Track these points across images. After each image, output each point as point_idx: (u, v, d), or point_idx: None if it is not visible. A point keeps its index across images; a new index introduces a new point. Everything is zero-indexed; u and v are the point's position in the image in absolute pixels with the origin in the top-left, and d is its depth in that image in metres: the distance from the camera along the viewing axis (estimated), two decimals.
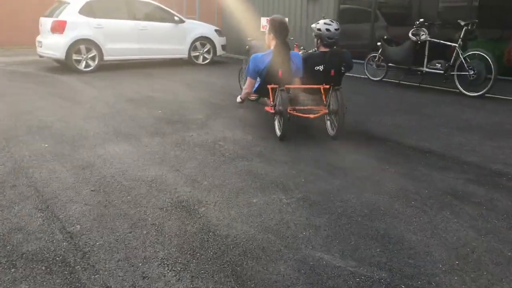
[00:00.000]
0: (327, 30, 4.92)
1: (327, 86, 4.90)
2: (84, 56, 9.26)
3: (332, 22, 5.02)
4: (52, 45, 9.18)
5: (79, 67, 9.23)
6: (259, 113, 6.01)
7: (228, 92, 7.46)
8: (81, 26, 9.15)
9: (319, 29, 4.97)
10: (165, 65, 10.64)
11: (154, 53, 10.26)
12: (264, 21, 11.88)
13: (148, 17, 10.20)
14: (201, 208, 3.16)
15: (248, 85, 5.19)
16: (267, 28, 4.97)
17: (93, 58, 9.36)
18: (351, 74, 9.54)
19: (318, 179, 3.72)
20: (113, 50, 9.55)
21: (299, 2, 10.88)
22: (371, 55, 8.77)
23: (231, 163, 4.09)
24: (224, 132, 5.08)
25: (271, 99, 5.00)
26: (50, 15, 9.46)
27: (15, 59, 11.27)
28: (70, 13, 9.16)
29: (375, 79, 8.78)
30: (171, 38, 10.44)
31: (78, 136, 4.83)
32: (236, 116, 5.87)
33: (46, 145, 4.51)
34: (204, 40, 10.93)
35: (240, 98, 5.52)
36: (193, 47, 10.81)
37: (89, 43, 9.28)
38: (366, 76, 8.98)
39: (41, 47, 9.51)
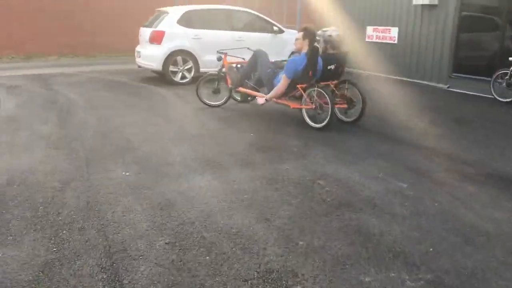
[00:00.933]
0: (336, 35, 5.77)
1: (343, 81, 5.94)
2: (181, 68, 9.01)
3: (336, 29, 5.94)
4: (150, 55, 9.05)
5: (175, 78, 8.99)
6: (367, 142, 5.16)
7: None
8: (178, 36, 8.92)
9: (330, 35, 5.74)
10: None
11: None
12: (370, 30, 10.91)
13: (247, 27, 9.74)
14: (296, 286, 2.43)
15: (283, 85, 5.67)
16: (302, 35, 5.61)
17: (189, 70, 9.08)
18: (471, 93, 8.28)
19: (453, 249, 2.82)
20: (210, 61, 9.16)
21: (412, 10, 9.76)
22: (501, 71, 7.46)
23: (334, 213, 3.31)
24: (324, 167, 4.31)
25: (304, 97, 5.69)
26: (149, 25, 9.36)
27: (114, 67, 11.43)
28: (169, 24, 8.97)
29: (504, 100, 7.45)
30: (269, 49, 9.82)
31: (163, 163, 4.35)
32: (338, 144, 5.08)
33: (128, 174, 4.07)
34: None
35: (266, 99, 5.93)
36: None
37: (186, 54, 9.01)
38: (492, 96, 7.67)
39: (139, 57, 9.45)
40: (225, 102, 6.81)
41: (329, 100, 5.43)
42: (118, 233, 3.00)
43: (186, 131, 5.55)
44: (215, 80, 6.76)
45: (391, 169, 4.28)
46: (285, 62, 5.97)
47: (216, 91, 6.77)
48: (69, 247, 2.82)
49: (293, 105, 5.88)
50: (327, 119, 5.51)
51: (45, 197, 3.56)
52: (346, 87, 5.90)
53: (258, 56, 6.20)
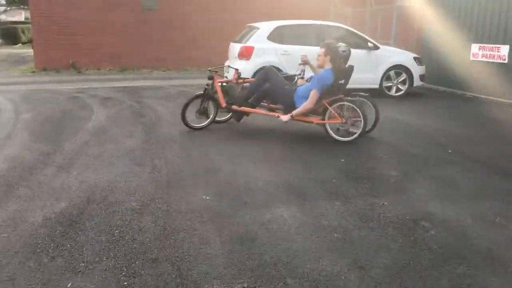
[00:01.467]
0: (349, 50, 6.28)
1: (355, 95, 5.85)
2: None
3: (346, 45, 6.51)
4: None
5: None
6: (478, 176, 4.49)
7: (429, 138, 6.02)
8: (267, 52, 8.70)
9: (344, 51, 6.06)
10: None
11: None
12: (475, 48, 9.94)
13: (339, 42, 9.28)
14: None
15: (314, 100, 5.50)
16: (324, 51, 5.64)
17: None
18: None
19: None
20: None
21: None
22: None
23: (443, 267, 2.77)
24: (428, 204, 3.75)
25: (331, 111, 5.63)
26: (239, 41, 9.26)
27: (203, 81, 11.36)
28: (258, 39, 8.79)
29: None
30: (361, 66, 9.29)
31: (244, 188, 4.04)
32: (444, 177, 4.46)
33: (208, 198, 3.80)
34: (399, 68, 9.55)
35: (291, 116, 5.59)
36: (386, 77, 9.53)
37: None
38: None
39: (228, 72, 9.35)
40: (209, 123, 6.24)
41: (360, 113, 5.53)
42: (193, 269, 2.70)
43: (270, 152, 5.22)
44: (203, 100, 6.14)
45: None
46: (300, 77, 6.16)
47: (202, 113, 6.18)
48: (140, 282, 2.57)
49: (316, 120, 5.77)
50: (358, 132, 5.61)
51: (123, 219, 3.38)
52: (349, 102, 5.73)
53: (270, 73, 5.89)
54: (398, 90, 9.66)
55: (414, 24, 12.66)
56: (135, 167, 4.58)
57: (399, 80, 9.60)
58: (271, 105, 6.11)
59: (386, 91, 9.59)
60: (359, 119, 5.61)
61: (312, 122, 5.79)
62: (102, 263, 2.77)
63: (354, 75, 9.30)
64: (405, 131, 6.46)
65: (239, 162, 4.78)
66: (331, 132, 5.77)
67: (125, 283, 2.56)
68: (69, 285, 2.52)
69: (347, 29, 9.53)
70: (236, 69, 6.44)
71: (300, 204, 3.71)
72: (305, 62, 6.13)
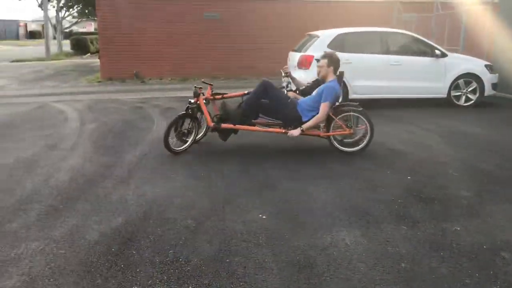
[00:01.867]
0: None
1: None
2: None
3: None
4: (297, 81, 8.71)
5: None
6: None
7: (502, 154, 5.54)
8: None
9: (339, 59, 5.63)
10: (417, 105, 9.06)
11: (406, 92, 8.84)
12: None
13: (403, 51, 8.87)
14: None
15: (326, 112, 5.27)
16: (326, 62, 5.41)
17: None
18: None
19: None
20: (360, 87, 8.55)
21: None
22: None
23: None
24: (507, 232, 3.38)
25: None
26: (299, 50, 9.09)
27: None
28: (319, 48, 8.54)
29: None
30: (428, 75, 8.86)
31: (303, 207, 3.85)
32: None
33: (264, 217, 3.65)
34: (469, 77, 8.97)
35: (302, 130, 5.27)
36: (454, 86, 8.98)
37: None
38: None
39: (284, 80, 9.20)
40: (190, 145, 5.61)
41: (367, 122, 5.46)
42: None
43: (329, 167, 4.99)
44: (184, 120, 5.55)
45: None
46: (289, 90, 6.02)
47: (186, 134, 5.57)
48: None
49: (322, 133, 5.54)
50: (364, 142, 5.52)
51: (177, 238, 3.29)
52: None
53: (269, 87, 5.42)
54: (467, 99, 9.06)
55: (485, 29, 11.90)
56: (192, 181, 4.52)
57: (469, 89, 9.01)
58: (268, 121, 5.58)
59: (455, 101, 9.02)
60: (361, 128, 5.54)
61: (319, 136, 5.55)
62: (155, 287, 2.68)
63: (419, 84, 8.96)
64: (476, 145, 5.99)
65: (298, 179, 4.60)
66: (335, 143, 5.57)
67: None
68: None
69: (412, 36, 9.10)
70: (211, 84, 5.84)
71: (364, 227, 3.46)
72: (288, 74, 6.02)
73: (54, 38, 31.76)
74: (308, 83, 5.93)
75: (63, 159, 5.27)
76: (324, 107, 5.24)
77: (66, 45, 31.10)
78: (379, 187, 4.35)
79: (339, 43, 8.60)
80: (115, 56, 14.10)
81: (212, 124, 5.49)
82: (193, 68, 14.32)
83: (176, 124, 5.47)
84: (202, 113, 5.67)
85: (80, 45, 29.16)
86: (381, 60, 8.65)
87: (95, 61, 21.26)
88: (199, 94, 5.60)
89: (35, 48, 37.50)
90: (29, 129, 6.97)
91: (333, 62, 5.44)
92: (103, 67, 14.24)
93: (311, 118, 5.29)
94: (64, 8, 30.56)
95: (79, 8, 31.15)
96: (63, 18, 31.46)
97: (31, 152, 5.55)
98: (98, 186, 4.38)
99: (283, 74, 6.11)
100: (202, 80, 5.69)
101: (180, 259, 3.00)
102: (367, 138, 5.52)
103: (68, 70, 17.91)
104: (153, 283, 2.72)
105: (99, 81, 13.80)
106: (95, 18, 18.63)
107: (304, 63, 8.55)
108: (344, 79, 8.28)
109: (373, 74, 8.63)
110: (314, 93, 5.47)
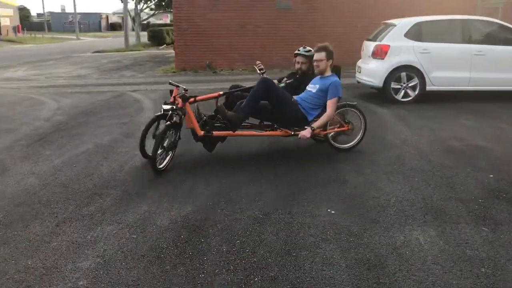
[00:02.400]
0: None
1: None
2: (404, 85, 8.15)
3: None
4: (371, 71, 8.45)
5: (396, 96, 8.18)
6: None
7: None
8: (404, 51, 8.07)
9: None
10: (502, 99, 8.44)
11: (489, 84, 8.25)
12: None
13: (488, 39, 8.26)
14: None
15: (334, 109, 4.88)
16: (325, 55, 4.95)
17: (413, 88, 8.16)
18: None
19: None
20: (439, 79, 8.10)
21: None
22: None
23: None
24: None
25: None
26: (374, 39, 8.76)
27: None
28: (395, 37, 8.21)
29: None
30: None
31: (374, 204, 3.70)
32: None
33: (333, 212, 3.55)
34: None
35: (313, 130, 4.74)
36: None
37: (412, 70, 8.10)
38: None
39: (359, 72, 8.94)
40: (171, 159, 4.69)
41: (362, 118, 5.25)
42: None
43: (404, 162, 4.76)
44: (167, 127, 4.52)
45: None
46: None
47: (163, 143, 4.47)
48: None
49: (324, 131, 5.07)
50: (357, 138, 5.26)
51: (244, 228, 3.29)
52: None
53: (272, 85, 4.76)
54: None
55: None
56: (258, 173, 4.49)
57: None
58: (264, 123, 5.09)
59: None
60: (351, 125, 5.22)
61: (319, 135, 5.08)
62: (222, 276, 2.69)
63: (505, 76, 8.31)
64: None
65: (367, 174, 4.43)
66: (331, 141, 5.19)
67: None
68: None
69: (498, 24, 8.45)
70: (177, 86, 4.76)
71: (440, 227, 3.26)
72: (262, 72, 5.58)
73: (133, 29, 33.16)
74: (285, 78, 5.62)
75: (137, 147, 5.46)
76: (333, 104, 4.81)
77: (144, 36, 32.38)
78: (457, 185, 4.09)
79: (417, 32, 8.20)
80: (189, 47, 14.42)
81: (202, 133, 4.73)
82: (264, 58, 14.27)
83: (148, 129, 4.64)
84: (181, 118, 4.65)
85: (156, 36, 30.21)
86: (462, 49, 8.13)
87: (170, 52, 21.96)
88: (187, 98, 4.66)
89: (115, 39, 39.45)
90: (107, 117, 7.31)
91: (332, 55, 4.99)
92: (178, 57, 14.64)
93: (316, 117, 4.88)
94: (142, 1, 31.81)
95: (156, 0, 32.27)
96: (141, 10, 32.80)
97: (108, 139, 5.81)
98: (170, 174, 4.48)
99: (258, 72, 5.61)
100: (169, 81, 4.77)
101: (247, 250, 2.99)
102: (361, 133, 5.25)
103: (144, 61, 18.63)
104: (219, 272, 2.73)
105: (173, 72, 14.21)
106: (171, 10, 19.16)
107: (379, 53, 8.25)
108: (421, 69, 7.98)
109: (453, 65, 8.14)
110: (312, 89, 4.95)
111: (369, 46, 8.62)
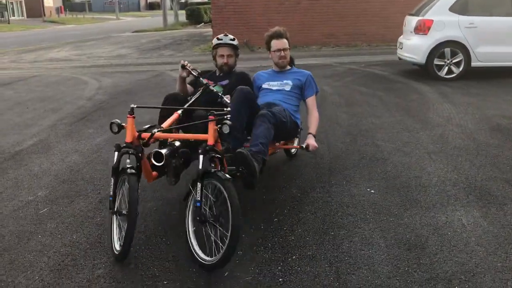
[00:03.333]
0: None
1: None
2: (448, 61, 7.85)
3: None
4: (413, 47, 8.16)
5: (439, 73, 7.89)
6: None
7: None
8: (449, 25, 7.75)
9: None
10: None
11: None
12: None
13: None
14: None
15: None
16: (287, 44, 3.96)
17: (457, 64, 7.84)
18: None
19: None
20: (485, 54, 7.74)
21: None
22: None
23: None
24: None
25: None
26: (416, 13, 8.44)
27: (374, 58, 10.90)
28: (439, 11, 7.88)
29: None
30: None
31: (415, 183, 3.62)
32: None
33: (372, 191, 3.50)
34: None
35: (314, 136, 3.71)
36: None
37: (456, 46, 7.78)
38: None
39: (401, 48, 8.66)
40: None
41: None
42: (353, 273, 2.47)
43: (448, 141, 4.62)
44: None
45: None
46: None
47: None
48: (297, 280, 2.43)
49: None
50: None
51: (282, 206, 3.30)
52: None
53: (251, 95, 3.45)
54: None
55: None
56: (298, 151, 4.46)
57: None
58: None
59: None
60: None
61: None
62: (259, 254, 2.71)
63: None
64: None
65: (409, 153, 4.32)
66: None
67: (280, 279, 2.45)
68: (226, 274, 2.52)
69: None
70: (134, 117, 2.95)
71: (484, 208, 3.16)
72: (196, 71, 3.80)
73: (171, 8, 33.29)
74: (198, 74, 3.80)
75: None
76: (315, 102, 3.96)
77: (182, 15, 32.48)
78: (503, 164, 3.94)
79: (462, 6, 7.84)
80: (227, 25, 14.31)
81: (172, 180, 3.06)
82: (301, 36, 14.06)
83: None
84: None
85: (194, 15, 30.24)
86: (511, 22, 7.72)
87: (208, 30, 21.95)
88: (143, 147, 2.89)
89: (153, 18, 39.80)
90: (147, 95, 7.43)
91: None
92: (215, 36, 14.61)
93: (298, 121, 3.86)
94: None
95: None
96: None
97: (148, 117, 5.90)
98: None
99: (193, 74, 3.76)
100: (134, 105, 2.97)
101: (285, 228, 2.99)
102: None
103: (183, 40, 18.73)
104: (257, 249, 2.75)
105: (211, 50, 14.22)
106: None
107: (422, 28, 7.95)
108: (466, 44, 7.65)
109: (500, 40, 7.75)
110: (284, 87, 3.91)
111: (411, 21, 8.31)
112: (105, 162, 4.31)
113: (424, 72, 8.20)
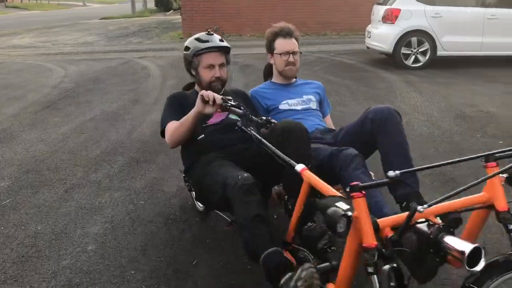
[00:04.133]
0: None
1: None
2: (414, 50, 7.99)
3: None
4: (381, 36, 8.27)
5: (406, 62, 8.03)
6: None
7: None
8: (416, 15, 7.87)
9: None
10: None
11: (502, 49, 8.03)
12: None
13: (502, 3, 8.00)
14: None
15: None
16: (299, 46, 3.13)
17: (424, 53, 7.99)
18: None
19: None
20: (450, 44, 7.91)
21: None
22: None
23: None
24: None
25: None
26: (384, 3, 8.54)
27: (342, 47, 10.97)
28: (406, 0, 8.00)
29: None
30: None
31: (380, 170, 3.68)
32: None
33: None
34: None
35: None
36: None
37: (422, 35, 7.92)
38: None
39: (369, 37, 8.76)
40: None
41: None
42: None
43: (414, 129, 4.71)
44: None
45: None
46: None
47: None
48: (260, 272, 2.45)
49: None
50: None
51: None
52: None
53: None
54: None
55: None
56: None
57: None
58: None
59: None
60: None
61: None
62: (228, 241, 2.71)
63: None
64: None
65: None
66: None
67: (249, 266, 2.46)
68: (194, 262, 2.51)
69: None
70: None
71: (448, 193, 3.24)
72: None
73: None
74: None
75: (145, 114, 5.46)
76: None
77: (151, 2, 31.88)
78: (467, 151, 4.05)
79: None
80: (196, 12, 14.20)
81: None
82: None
83: None
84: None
85: (163, 2, 29.72)
86: (475, 13, 7.90)
87: (177, 17, 21.64)
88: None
89: (121, 5, 38.94)
90: (114, 83, 7.29)
91: None
92: (185, 23, 14.43)
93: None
94: None
95: None
96: None
97: (116, 106, 5.81)
98: None
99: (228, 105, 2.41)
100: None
101: None
102: None
103: (151, 27, 18.42)
104: (225, 237, 2.76)
105: (181, 38, 14.03)
106: None
107: (389, 17, 8.06)
108: (432, 33, 7.80)
109: (464, 30, 7.92)
110: (310, 105, 3.03)
111: (379, 10, 8.42)
112: (71, 152, 4.22)
113: (391, 61, 8.33)
